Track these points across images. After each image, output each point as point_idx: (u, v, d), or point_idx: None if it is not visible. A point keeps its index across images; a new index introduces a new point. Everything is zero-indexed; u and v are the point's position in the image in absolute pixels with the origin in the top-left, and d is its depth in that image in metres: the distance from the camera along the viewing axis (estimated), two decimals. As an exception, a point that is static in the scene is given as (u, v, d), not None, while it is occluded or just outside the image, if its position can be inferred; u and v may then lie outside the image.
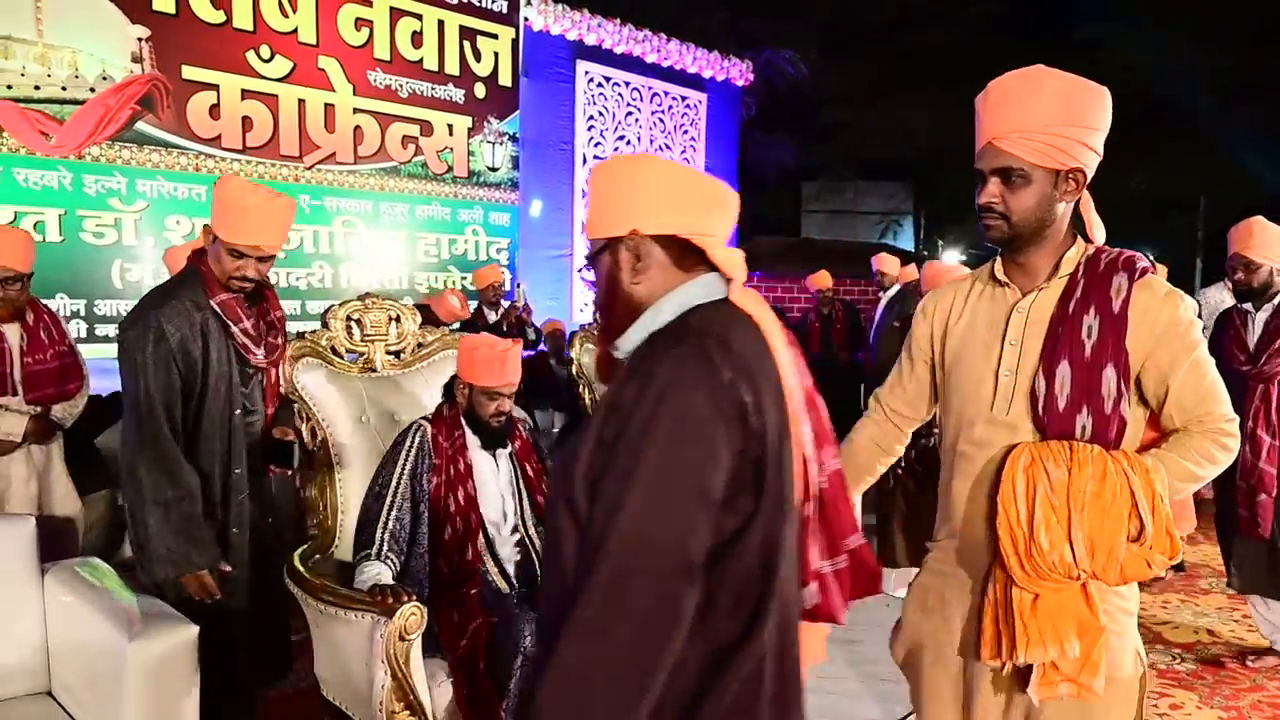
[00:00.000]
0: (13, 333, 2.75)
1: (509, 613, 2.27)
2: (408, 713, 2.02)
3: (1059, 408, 1.45)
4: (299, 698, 2.87)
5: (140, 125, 5.35)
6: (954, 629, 1.58)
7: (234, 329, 2.23)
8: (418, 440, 2.49)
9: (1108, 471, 1.38)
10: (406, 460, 2.45)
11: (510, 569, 2.50)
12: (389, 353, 2.83)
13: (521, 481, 2.63)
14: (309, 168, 6.11)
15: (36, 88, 4.98)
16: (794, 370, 1.21)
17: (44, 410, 2.82)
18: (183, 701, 1.93)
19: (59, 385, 2.84)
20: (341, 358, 2.70)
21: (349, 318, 2.73)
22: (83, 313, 5.06)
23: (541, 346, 6.00)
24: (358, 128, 6.35)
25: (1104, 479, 1.37)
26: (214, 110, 5.64)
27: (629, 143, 8.26)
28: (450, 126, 6.90)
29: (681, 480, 1.03)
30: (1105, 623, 1.43)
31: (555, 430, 5.67)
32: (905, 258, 14.67)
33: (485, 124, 7.11)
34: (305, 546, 2.46)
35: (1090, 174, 1.48)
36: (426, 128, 6.75)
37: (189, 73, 5.50)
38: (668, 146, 8.60)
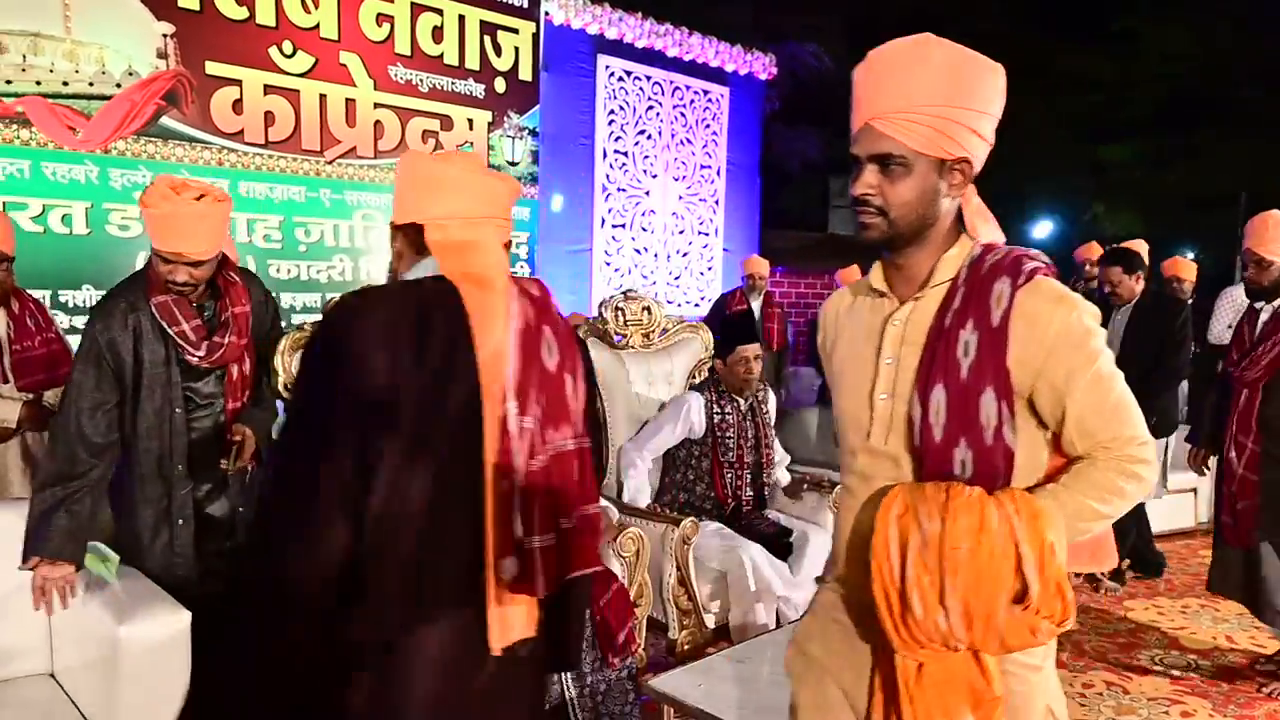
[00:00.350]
0: None
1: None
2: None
3: (935, 439, 1.25)
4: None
5: (165, 120, 5.45)
6: (831, 687, 1.38)
7: (169, 330, 2.25)
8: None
9: (986, 522, 1.16)
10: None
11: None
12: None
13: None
14: (330, 162, 6.19)
15: (65, 84, 5.09)
16: (520, 352, 1.33)
17: (36, 397, 2.88)
18: (176, 686, 1.97)
19: (49, 371, 2.90)
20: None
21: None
22: (108, 304, 5.17)
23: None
24: (378, 122, 6.41)
25: (982, 531, 1.16)
26: (237, 105, 5.73)
27: (649, 136, 8.25)
28: (470, 121, 6.94)
29: None
30: (1010, 685, 1.25)
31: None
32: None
33: (505, 118, 7.14)
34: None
35: (978, 166, 1.31)
36: (446, 122, 6.80)
37: (212, 68, 5.59)
38: (689, 140, 8.58)
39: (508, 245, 1.52)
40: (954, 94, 1.23)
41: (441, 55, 6.73)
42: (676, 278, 8.67)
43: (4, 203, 4.91)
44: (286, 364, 2.54)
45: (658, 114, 8.31)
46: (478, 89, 6.95)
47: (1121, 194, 15.74)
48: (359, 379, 1.24)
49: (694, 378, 3.73)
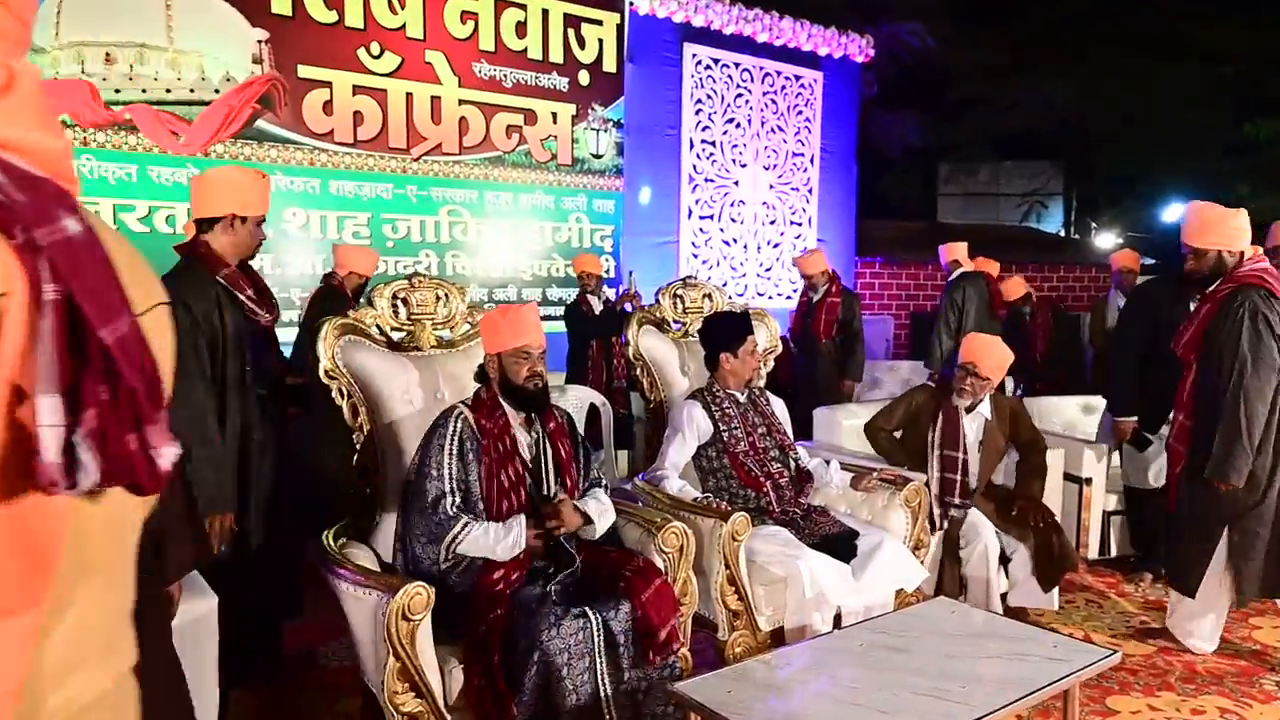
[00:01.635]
0: None
1: (531, 608, 2.23)
2: (412, 694, 2.01)
3: None
4: (340, 673, 2.94)
5: (260, 123, 5.68)
6: None
7: (241, 296, 2.58)
8: (459, 425, 2.49)
9: None
10: (452, 443, 2.45)
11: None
12: (437, 332, 2.85)
13: (553, 459, 2.59)
14: (416, 159, 6.31)
15: (168, 90, 5.37)
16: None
17: None
18: (202, 669, 1.99)
19: None
20: (388, 337, 2.74)
21: (395, 296, 2.76)
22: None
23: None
24: (463, 119, 6.50)
25: None
26: (327, 106, 5.91)
27: (738, 125, 8.07)
28: (554, 115, 6.95)
29: None
30: None
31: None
32: (1053, 242, 13.67)
33: (589, 111, 7.12)
34: (339, 526, 2.51)
35: None
36: (530, 116, 6.83)
37: (304, 71, 5.79)
38: (780, 128, 8.34)
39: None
40: None
41: (525, 50, 6.76)
42: (767, 269, 8.45)
43: (114, 205, 5.23)
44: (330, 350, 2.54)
45: (747, 102, 8.12)
46: (561, 82, 6.95)
47: (1270, 173, 14.40)
48: None
49: (766, 365, 3.58)
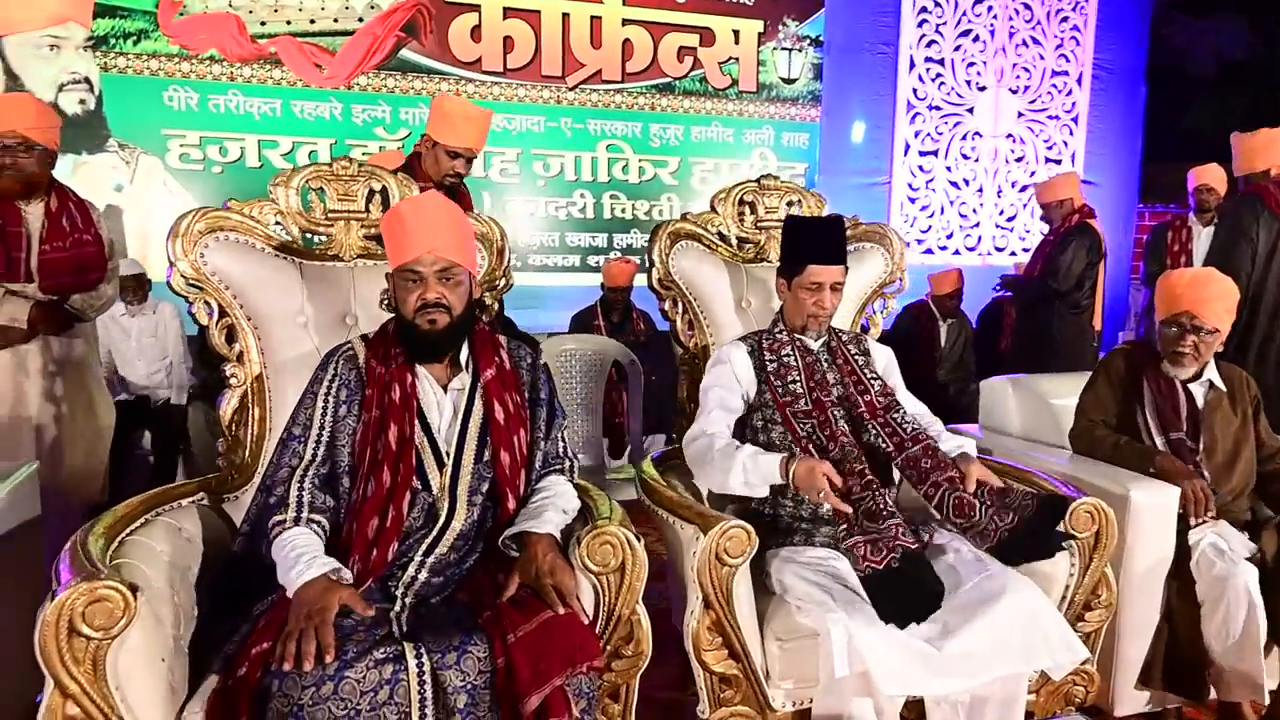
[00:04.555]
0: (34, 217, 2.62)
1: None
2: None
3: None
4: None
5: (404, 53, 5.35)
6: None
7: None
8: (340, 367, 1.79)
9: None
10: (331, 391, 1.76)
11: (439, 548, 1.68)
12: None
13: (478, 423, 1.78)
14: (571, 89, 5.69)
15: (311, 21, 5.19)
16: None
17: (59, 299, 2.65)
18: None
19: (76, 275, 2.67)
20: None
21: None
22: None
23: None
24: (627, 41, 5.76)
25: None
26: (475, 32, 5.46)
27: (976, 38, 6.54)
28: (736, 33, 5.99)
29: None
30: None
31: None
32: None
33: (780, 28, 6.06)
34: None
35: None
36: (708, 36, 5.92)
37: (451, -6, 5.37)
38: (1035, 40, 6.67)
39: None
40: None
41: (702, -43, 5.86)
42: (1010, 219, 6.85)
43: (259, 140, 5.15)
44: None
45: (989, 8, 6.55)
46: (746, -6, 5.96)
47: None
48: None
49: (874, 304, 2.49)
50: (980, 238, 6.78)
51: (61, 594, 1.30)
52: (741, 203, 2.43)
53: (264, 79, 5.12)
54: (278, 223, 2.07)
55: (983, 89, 6.63)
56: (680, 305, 2.34)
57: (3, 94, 2.63)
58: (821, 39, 6.17)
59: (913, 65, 6.46)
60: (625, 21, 5.74)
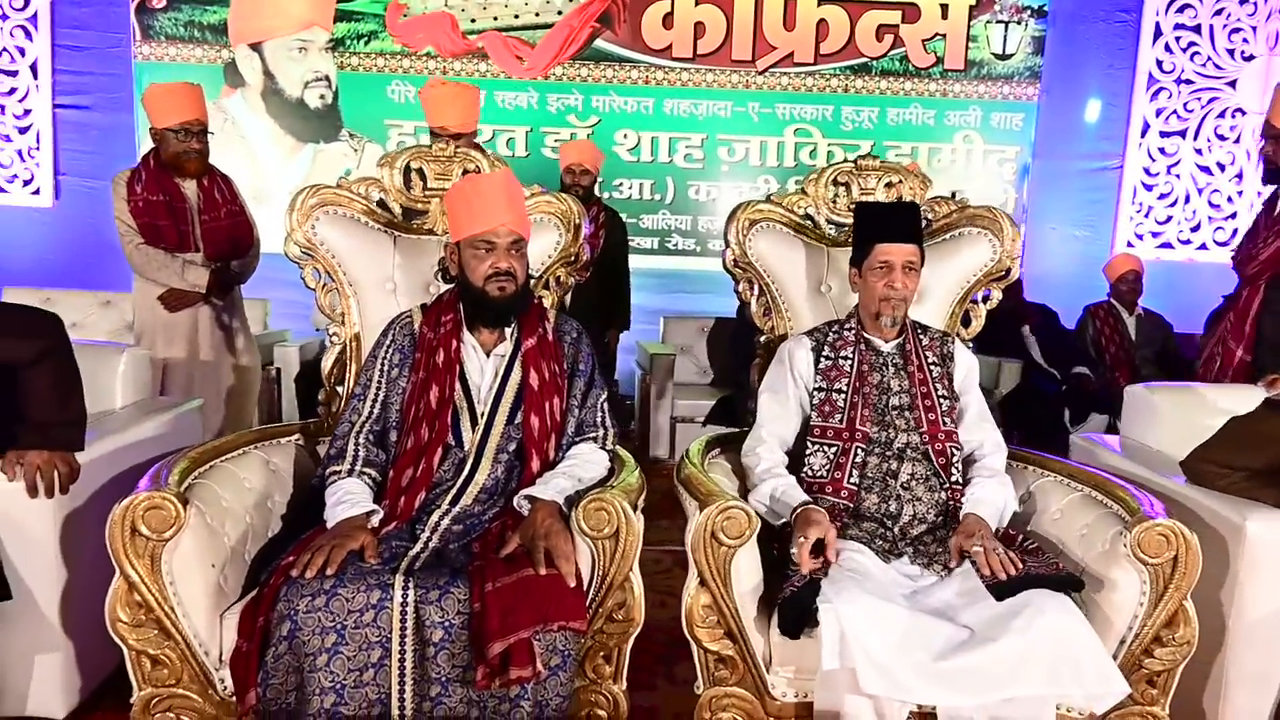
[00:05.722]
0: (191, 191, 3.02)
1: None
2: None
3: None
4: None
5: (598, 43, 5.57)
6: None
7: None
8: (398, 333, 1.98)
9: None
10: (387, 355, 1.96)
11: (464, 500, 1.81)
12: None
13: (509, 389, 1.89)
14: (761, 72, 5.62)
15: (515, 16, 5.55)
16: None
17: (224, 265, 3.05)
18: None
19: (232, 243, 3.04)
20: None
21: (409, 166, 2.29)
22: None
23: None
24: (822, 21, 5.58)
25: None
26: (667, 19, 5.55)
27: (1245, 1, 5.61)
28: (944, 8, 5.60)
29: None
30: None
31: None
32: None
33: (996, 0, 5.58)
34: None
35: None
36: (912, 12, 5.59)
37: (646, -17, 5.50)
38: (1326, -2, 5.60)
39: None
40: None
41: (908, -72, 5.53)
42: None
43: (464, 129, 5.60)
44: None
45: (1264, -36, 5.60)
46: (957, -36, 5.55)
47: None
48: None
49: (979, 293, 2.27)
50: (1236, 230, 5.84)
51: (128, 499, 1.56)
52: (835, 184, 2.31)
53: (471, 72, 5.55)
54: (380, 199, 2.28)
55: (1249, 58, 5.68)
56: (756, 287, 2.27)
57: (177, 84, 3.02)
58: (1046, 9, 5.60)
59: (1159, 33, 5.67)
60: (821, 1, 5.57)
